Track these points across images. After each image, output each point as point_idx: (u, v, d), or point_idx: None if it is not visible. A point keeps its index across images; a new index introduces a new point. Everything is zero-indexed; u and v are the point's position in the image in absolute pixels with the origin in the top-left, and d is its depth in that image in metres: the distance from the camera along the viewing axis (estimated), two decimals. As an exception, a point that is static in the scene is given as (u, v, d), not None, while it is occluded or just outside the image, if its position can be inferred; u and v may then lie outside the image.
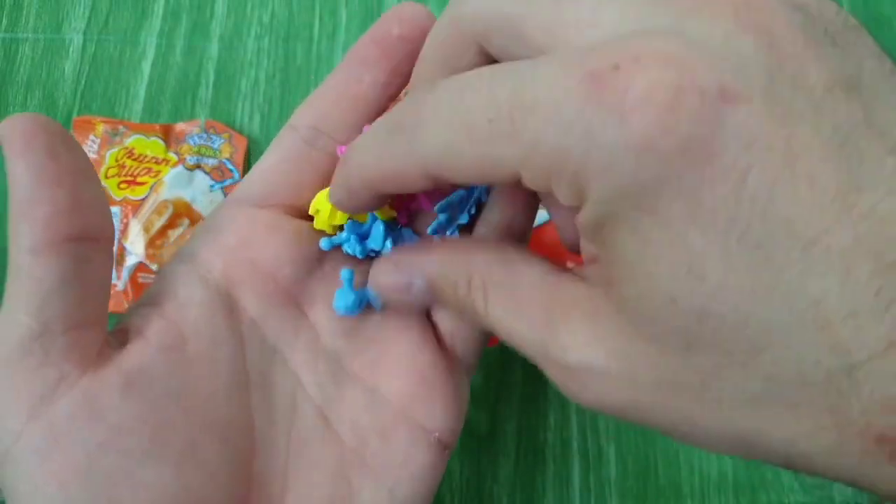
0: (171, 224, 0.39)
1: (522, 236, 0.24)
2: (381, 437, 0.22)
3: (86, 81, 0.43)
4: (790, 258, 0.12)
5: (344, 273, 0.22)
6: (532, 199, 0.23)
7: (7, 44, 0.43)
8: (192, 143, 0.41)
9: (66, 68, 0.43)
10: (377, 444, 0.22)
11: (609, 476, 0.37)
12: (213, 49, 0.44)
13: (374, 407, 0.22)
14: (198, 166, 0.40)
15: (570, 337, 0.16)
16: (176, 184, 0.40)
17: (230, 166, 0.41)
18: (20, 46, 0.43)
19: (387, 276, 0.21)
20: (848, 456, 0.13)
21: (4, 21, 0.44)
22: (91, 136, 0.41)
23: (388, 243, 0.22)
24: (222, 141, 0.41)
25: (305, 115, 0.24)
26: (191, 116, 0.42)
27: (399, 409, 0.22)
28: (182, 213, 0.40)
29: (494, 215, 0.23)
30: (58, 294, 0.17)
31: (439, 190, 0.22)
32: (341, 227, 0.22)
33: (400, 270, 0.20)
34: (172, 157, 0.41)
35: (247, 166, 0.42)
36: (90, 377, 0.18)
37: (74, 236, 0.17)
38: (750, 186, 0.12)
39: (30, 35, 0.44)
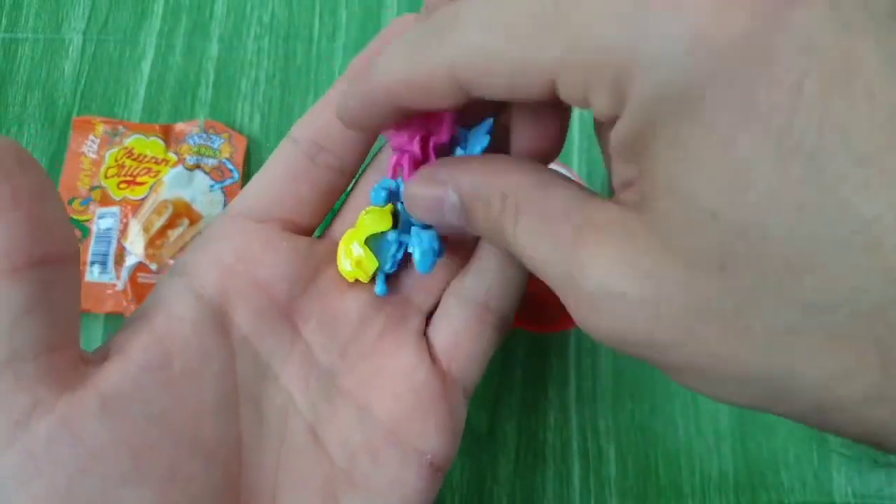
0: (170, 224, 0.39)
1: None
2: (372, 457, 0.21)
3: (85, 81, 0.43)
4: (843, 172, 0.11)
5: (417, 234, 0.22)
6: (562, 124, 0.21)
7: (7, 44, 0.43)
8: (191, 143, 0.41)
9: (66, 68, 0.43)
10: (367, 464, 0.21)
11: (609, 476, 0.37)
12: (213, 49, 0.44)
13: (366, 426, 0.21)
14: (197, 166, 0.40)
15: (595, 260, 0.15)
16: (176, 184, 0.40)
17: (230, 166, 0.41)
18: (20, 46, 0.43)
19: (420, 188, 0.20)
20: (888, 404, 0.12)
21: (4, 21, 0.44)
22: (91, 136, 0.41)
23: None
24: (222, 141, 0.41)
25: (306, 128, 0.24)
26: (190, 116, 0.42)
27: (391, 429, 0.22)
28: (182, 213, 0.40)
29: (522, 142, 0.21)
30: (25, 320, 0.16)
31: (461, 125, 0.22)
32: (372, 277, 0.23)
33: (434, 183, 0.20)
34: (172, 157, 0.41)
35: (247, 166, 0.42)
36: (67, 400, 0.17)
37: (36, 260, 0.16)
38: (806, 92, 0.11)
39: (29, 35, 0.43)
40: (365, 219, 0.23)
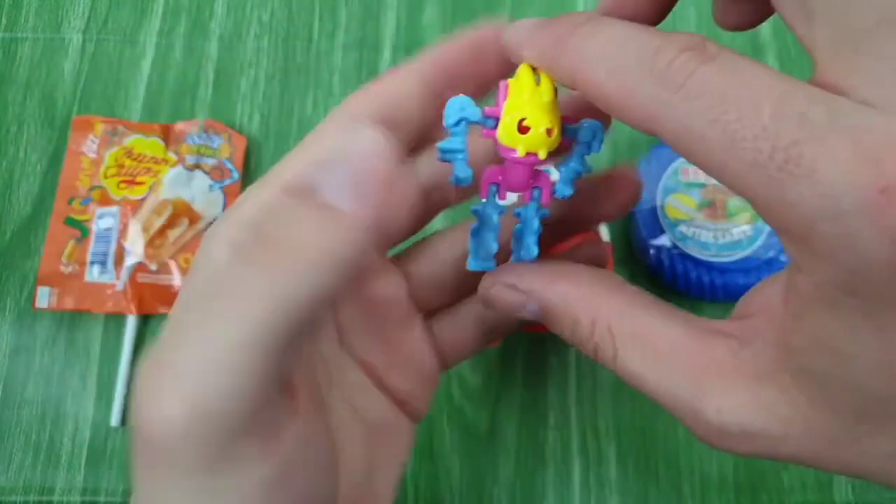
0: (170, 224, 0.39)
1: None
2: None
3: (85, 81, 0.43)
4: None
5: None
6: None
7: (6, 43, 0.43)
8: (191, 142, 0.41)
9: (66, 68, 0.43)
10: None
11: (609, 476, 0.37)
12: (213, 49, 0.44)
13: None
14: (197, 166, 0.40)
15: (726, 398, 0.17)
16: (175, 184, 0.40)
17: (230, 166, 0.41)
18: (19, 46, 0.43)
19: (498, 292, 0.20)
20: None
21: (4, 20, 0.44)
22: (90, 136, 0.41)
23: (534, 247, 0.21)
24: (222, 141, 0.41)
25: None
26: (190, 116, 0.42)
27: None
28: (181, 213, 0.40)
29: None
30: None
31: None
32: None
33: (513, 291, 0.20)
34: (172, 156, 0.40)
35: (246, 166, 0.42)
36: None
37: None
38: None
39: (29, 34, 0.43)
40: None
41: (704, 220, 0.38)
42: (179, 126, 0.41)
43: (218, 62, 0.43)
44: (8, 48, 0.43)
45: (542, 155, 0.18)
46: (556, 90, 0.19)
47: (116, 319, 0.38)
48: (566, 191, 0.20)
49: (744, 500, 0.36)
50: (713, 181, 0.39)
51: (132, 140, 0.41)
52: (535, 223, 0.21)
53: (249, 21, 0.44)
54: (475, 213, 0.21)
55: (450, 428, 0.37)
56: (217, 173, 0.41)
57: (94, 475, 0.36)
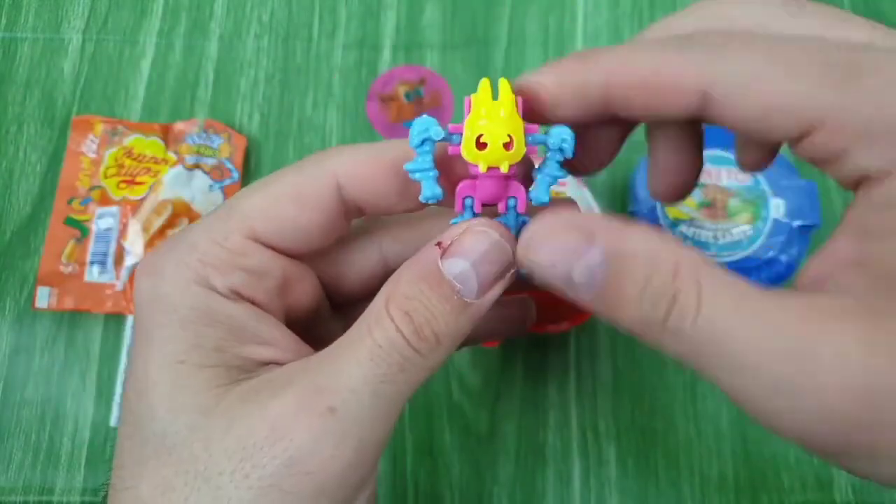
0: (170, 224, 0.39)
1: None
2: None
3: (85, 81, 0.43)
4: None
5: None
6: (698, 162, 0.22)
7: (6, 43, 0.43)
8: (191, 142, 0.41)
9: (66, 68, 0.43)
10: None
11: (609, 476, 0.37)
12: (213, 48, 0.44)
13: None
14: (197, 166, 0.40)
15: (846, 340, 0.14)
16: (175, 183, 0.40)
17: (229, 166, 0.41)
18: (19, 46, 0.43)
19: (556, 231, 0.18)
20: None
21: (3, 20, 0.44)
22: (90, 136, 0.41)
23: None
24: (221, 140, 0.41)
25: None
26: (190, 116, 0.42)
27: None
28: (181, 213, 0.40)
29: (667, 175, 0.22)
30: None
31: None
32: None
33: (577, 230, 0.17)
34: (171, 156, 0.40)
35: (246, 166, 0.42)
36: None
37: None
38: None
39: (29, 34, 0.43)
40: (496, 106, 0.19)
41: (704, 220, 0.38)
42: (179, 126, 0.41)
43: (218, 62, 0.43)
44: (8, 48, 0.43)
45: (503, 168, 0.19)
46: (516, 101, 0.19)
47: (116, 319, 0.38)
48: (543, 198, 0.20)
49: (744, 500, 0.36)
50: (713, 181, 0.39)
51: (132, 140, 0.41)
52: (514, 231, 0.21)
53: (249, 21, 0.44)
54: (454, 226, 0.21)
55: (449, 427, 0.37)
56: (217, 173, 0.41)
57: (94, 475, 0.36)
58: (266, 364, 0.20)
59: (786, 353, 0.15)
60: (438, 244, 0.19)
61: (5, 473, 0.36)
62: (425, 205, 0.21)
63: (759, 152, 0.22)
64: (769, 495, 0.37)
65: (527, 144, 0.19)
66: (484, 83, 0.19)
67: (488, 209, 0.21)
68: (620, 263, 0.17)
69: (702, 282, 0.16)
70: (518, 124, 0.19)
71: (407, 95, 0.43)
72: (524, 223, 0.21)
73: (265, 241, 0.21)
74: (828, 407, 0.14)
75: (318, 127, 0.42)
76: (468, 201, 0.20)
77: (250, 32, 0.44)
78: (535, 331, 0.37)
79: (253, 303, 0.21)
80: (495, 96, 0.19)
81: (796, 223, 0.38)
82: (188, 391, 0.19)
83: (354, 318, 0.25)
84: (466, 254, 0.19)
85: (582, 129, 0.20)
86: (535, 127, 0.20)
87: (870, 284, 0.15)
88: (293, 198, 0.21)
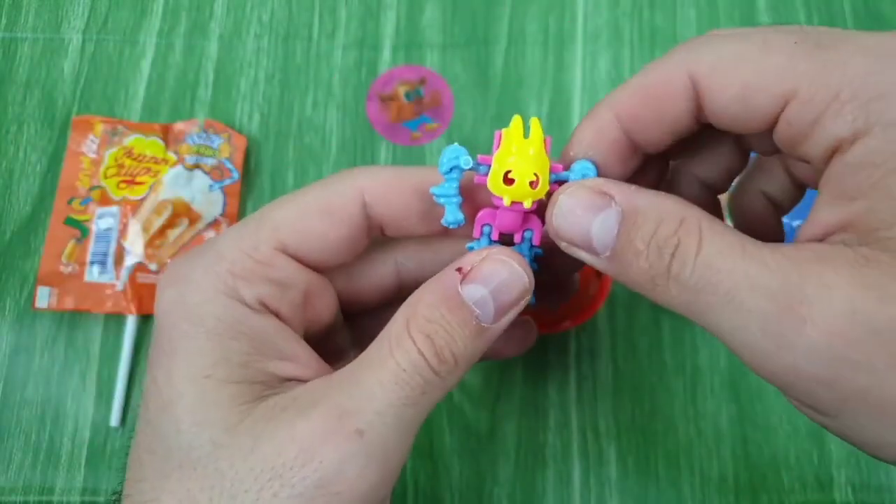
0: (170, 224, 0.39)
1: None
2: None
3: (85, 81, 0.43)
4: None
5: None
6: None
7: (6, 43, 0.43)
8: (191, 142, 0.41)
9: (66, 68, 0.43)
10: None
11: (609, 476, 0.37)
12: (213, 48, 0.44)
13: None
14: (197, 166, 0.40)
15: (835, 278, 0.15)
16: (175, 183, 0.40)
17: (229, 166, 0.41)
18: (19, 46, 0.43)
19: (580, 193, 0.19)
20: None
21: (3, 20, 0.44)
22: (90, 136, 0.41)
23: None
24: (221, 140, 0.41)
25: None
26: (190, 116, 0.42)
27: None
28: (181, 213, 0.40)
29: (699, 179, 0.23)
30: None
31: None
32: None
33: (597, 192, 0.19)
34: (171, 156, 0.40)
35: (246, 166, 0.42)
36: None
37: None
38: None
39: (29, 34, 0.43)
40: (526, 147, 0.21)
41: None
42: (179, 126, 0.41)
43: (218, 62, 0.43)
44: (8, 48, 0.43)
45: (527, 205, 0.20)
46: (544, 140, 0.20)
47: (116, 319, 0.38)
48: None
49: (744, 500, 0.36)
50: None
51: (132, 140, 0.41)
52: (528, 261, 0.22)
53: (249, 21, 0.44)
54: (470, 249, 0.22)
55: (450, 427, 0.37)
56: (217, 173, 0.41)
57: (94, 475, 0.36)
58: (288, 380, 0.20)
59: (774, 290, 0.15)
60: (459, 269, 0.20)
61: (5, 473, 0.36)
62: (445, 229, 0.22)
63: (783, 183, 0.22)
64: (769, 495, 0.36)
65: (550, 183, 0.20)
66: (516, 120, 0.20)
67: (504, 237, 0.22)
68: (633, 218, 0.18)
69: (703, 231, 0.17)
70: (545, 163, 0.20)
71: (407, 95, 0.43)
72: (538, 254, 0.22)
73: (293, 253, 0.21)
74: (813, 344, 0.15)
75: (318, 127, 0.42)
76: (486, 229, 0.22)
77: (250, 32, 0.44)
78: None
79: (277, 315, 0.21)
80: (526, 134, 0.20)
81: (796, 223, 0.38)
82: (214, 407, 0.19)
83: (363, 330, 0.25)
84: (486, 281, 0.19)
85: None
86: (559, 166, 0.21)
87: (856, 237, 0.16)
88: (322, 211, 0.21)
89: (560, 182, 0.21)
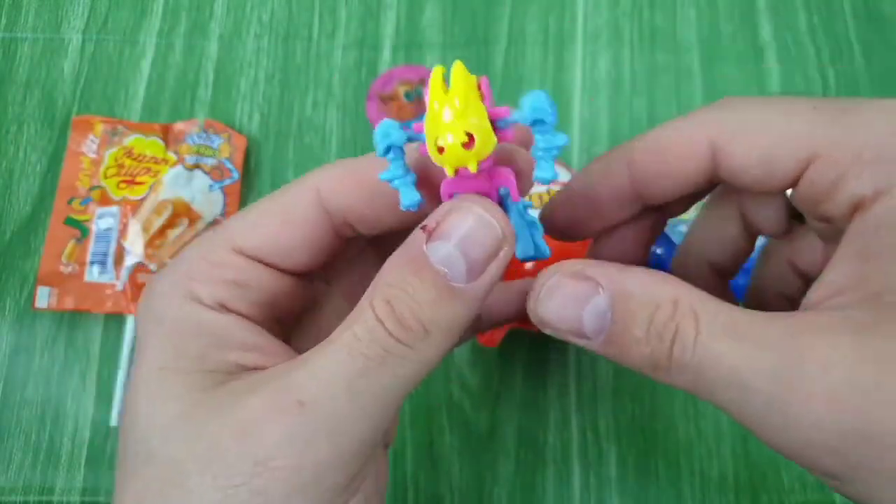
0: (170, 224, 0.39)
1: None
2: None
3: (85, 81, 0.43)
4: None
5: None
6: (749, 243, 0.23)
7: (6, 43, 0.43)
8: (191, 142, 0.41)
9: (66, 68, 0.43)
10: None
11: (609, 477, 0.37)
12: (213, 48, 0.44)
13: None
14: (197, 166, 0.40)
15: (833, 353, 0.15)
16: (175, 183, 0.40)
17: (229, 166, 0.41)
18: (19, 46, 0.43)
19: (562, 281, 0.18)
20: None
21: (3, 20, 0.44)
22: (90, 136, 0.41)
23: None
24: (221, 140, 0.41)
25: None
26: (190, 116, 0.42)
27: None
28: (181, 213, 0.40)
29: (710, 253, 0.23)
30: None
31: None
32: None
33: (581, 279, 0.18)
34: (171, 156, 0.40)
35: (246, 166, 0.42)
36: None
37: None
38: None
39: (29, 34, 0.43)
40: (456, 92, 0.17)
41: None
42: (179, 126, 0.41)
43: (218, 62, 0.43)
44: (8, 48, 0.43)
45: (472, 168, 0.17)
46: (478, 85, 0.17)
47: (116, 319, 0.38)
48: (546, 174, 0.18)
49: (744, 500, 0.36)
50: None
51: (132, 140, 0.41)
52: (525, 218, 0.19)
53: (249, 21, 0.44)
54: None
55: (450, 427, 0.37)
56: (217, 173, 0.41)
57: (94, 475, 0.36)
58: (253, 369, 0.20)
59: (774, 369, 0.15)
60: (423, 227, 0.18)
61: (5, 473, 0.36)
62: (419, 217, 0.19)
63: (775, 212, 0.22)
64: (769, 495, 0.36)
65: (499, 130, 0.17)
66: (435, 72, 0.17)
67: None
68: (625, 304, 0.18)
69: (698, 312, 0.17)
70: (479, 114, 0.17)
71: (407, 95, 0.43)
72: (528, 206, 0.19)
73: (251, 255, 0.21)
74: (818, 418, 0.15)
75: (318, 127, 0.42)
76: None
77: (250, 32, 0.44)
78: (535, 331, 0.37)
79: (239, 314, 0.21)
80: (449, 86, 0.17)
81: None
82: (167, 396, 0.18)
83: None
84: (449, 235, 0.17)
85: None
86: (504, 109, 0.18)
87: (859, 302, 0.16)
88: (275, 213, 0.21)
89: (510, 126, 0.18)
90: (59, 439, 0.37)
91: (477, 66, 0.44)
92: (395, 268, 0.18)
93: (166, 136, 0.41)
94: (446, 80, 0.17)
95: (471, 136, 0.16)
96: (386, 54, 0.44)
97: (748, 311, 0.17)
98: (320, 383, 0.17)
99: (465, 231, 0.17)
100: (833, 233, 0.19)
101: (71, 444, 0.37)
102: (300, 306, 0.23)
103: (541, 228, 0.20)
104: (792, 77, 0.45)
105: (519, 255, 0.20)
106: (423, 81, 0.43)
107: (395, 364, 0.17)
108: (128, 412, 0.19)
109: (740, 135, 0.18)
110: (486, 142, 0.17)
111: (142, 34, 0.44)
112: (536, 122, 0.17)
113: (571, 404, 0.38)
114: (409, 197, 0.18)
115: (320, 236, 0.21)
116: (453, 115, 0.17)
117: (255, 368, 0.20)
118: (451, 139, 0.16)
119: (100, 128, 0.41)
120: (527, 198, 0.20)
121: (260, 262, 0.21)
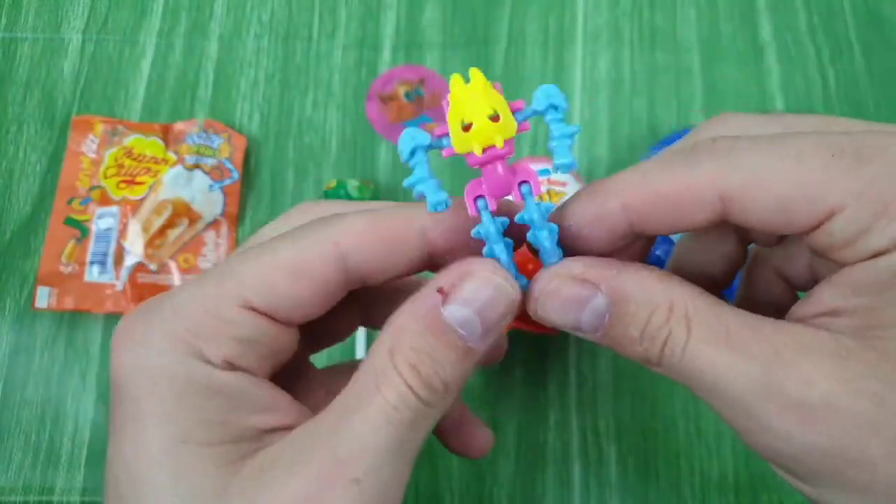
0: (170, 224, 0.39)
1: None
2: None
3: (85, 81, 0.43)
4: None
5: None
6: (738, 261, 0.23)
7: (6, 43, 0.43)
8: (191, 142, 0.41)
9: (66, 68, 0.43)
10: None
11: (609, 476, 0.37)
12: (213, 48, 0.44)
13: None
14: (197, 166, 0.40)
15: (813, 372, 0.16)
16: (175, 183, 0.40)
17: (229, 166, 0.41)
18: (19, 46, 0.43)
19: (562, 285, 0.19)
20: None
21: (3, 20, 0.44)
22: (90, 136, 0.41)
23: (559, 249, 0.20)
24: (221, 140, 0.41)
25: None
26: (190, 116, 0.42)
27: None
28: (181, 213, 0.40)
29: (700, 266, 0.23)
30: None
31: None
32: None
33: (580, 282, 0.18)
34: (171, 156, 0.40)
35: (246, 166, 0.42)
36: None
37: None
38: None
39: (29, 35, 0.43)
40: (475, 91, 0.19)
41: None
42: (179, 126, 0.41)
43: (218, 62, 0.43)
44: (8, 48, 0.43)
45: (499, 144, 0.18)
46: (489, 85, 0.19)
47: (116, 319, 0.38)
48: (565, 160, 0.19)
49: (744, 500, 0.36)
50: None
51: (132, 140, 0.41)
52: (545, 223, 0.20)
53: (249, 21, 0.44)
54: (477, 236, 0.20)
55: (450, 428, 0.37)
56: (217, 173, 0.41)
57: (94, 475, 0.36)
58: (271, 431, 0.20)
59: (755, 380, 0.16)
60: (440, 290, 0.18)
61: (5, 473, 0.36)
62: (423, 266, 0.20)
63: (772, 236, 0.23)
64: (769, 495, 0.36)
65: (518, 122, 0.19)
66: (455, 77, 0.19)
67: (502, 208, 0.20)
68: (623, 305, 0.18)
69: (690, 318, 0.17)
70: (499, 99, 0.18)
71: (407, 95, 0.43)
72: (549, 210, 0.20)
73: (259, 309, 0.20)
74: (790, 431, 0.16)
75: (318, 127, 0.42)
76: (481, 203, 0.20)
77: (250, 32, 0.44)
78: (534, 331, 0.37)
79: (247, 371, 0.20)
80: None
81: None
82: (197, 475, 0.18)
83: (315, 338, 0.24)
84: (470, 301, 0.18)
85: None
86: (520, 103, 0.19)
87: (852, 329, 0.16)
88: (292, 270, 0.20)
89: (528, 118, 0.19)
90: (59, 439, 0.37)
91: (477, 66, 0.44)
92: (415, 332, 0.18)
93: (166, 136, 0.41)
94: (466, 81, 0.19)
95: (495, 113, 0.18)
96: (386, 54, 0.44)
97: (740, 314, 0.17)
98: (370, 458, 0.18)
99: (486, 299, 0.18)
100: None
101: (71, 444, 0.37)
102: (293, 352, 0.22)
103: (556, 230, 0.20)
104: (792, 77, 0.45)
105: (545, 260, 0.20)
106: (422, 81, 0.43)
107: (422, 424, 0.18)
108: (139, 488, 0.18)
109: (754, 188, 0.17)
110: (510, 121, 0.18)
111: (142, 34, 0.44)
112: (549, 109, 0.19)
113: (571, 404, 0.38)
114: (436, 196, 0.19)
115: (333, 290, 0.21)
116: (478, 96, 0.18)
117: (274, 430, 0.19)
118: (478, 114, 0.18)
119: (100, 128, 0.41)
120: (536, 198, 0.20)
121: (269, 317, 0.20)
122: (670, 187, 0.18)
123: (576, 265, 0.19)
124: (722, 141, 0.18)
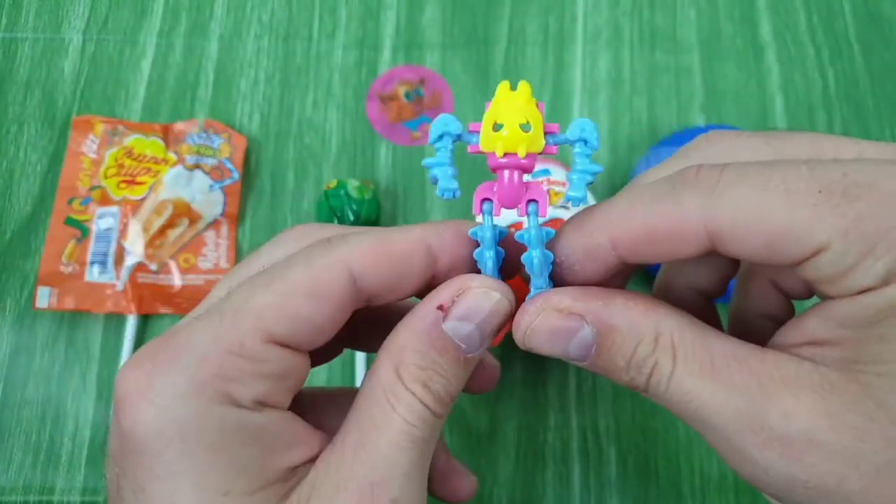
0: (170, 224, 0.39)
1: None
2: None
3: (85, 81, 0.43)
4: None
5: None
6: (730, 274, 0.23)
7: (6, 43, 0.43)
8: (191, 142, 0.41)
9: (66, 68, 0.43)
10: None
11: (609, 476, 0.37)
12: (213, 48, 0.44)
13: None
14: (197, 166, 0.40)
15: (792, 402, 0.16)
16: (175, 183, 0.40)
17: (229, 166, 0.41)
18: (19, 46, 0.43)
19: (547, 319, 0.19)
20: None
21: (4, 20, 0.44)
22: (90, 136, 0.41)
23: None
24: (221, 140, 0.41)
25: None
26: (190, 116, 0.42)
27: None
28: (181, 213, 0.40)
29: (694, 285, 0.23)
30: None
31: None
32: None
33: (565, 315, 0.19)
34: (172, 156, 0.40)
35: (246, 166, 0.42)
36: None
37: None
38: None
39: (29, 34, 0.43)
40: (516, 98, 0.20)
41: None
42: (179, 126, 0.41)
43: (218, 62, 0.43)
44: (8, 48, 0.43)
45: (520, 153, 0.19)
46: (537, 104, 0.19)
47: (116, 319, 0.39)
48: (579, 195, 0.19)
49: (744, 500, 0.36)
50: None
51: (132, 140, 0.41)
52: (541, 247, 0.20)
53: (249, 21, 0.44)
54: (474, 236, 0.20)
55: (450, 428, 0.37)
56: (217, 173, 0.41)
57: (94, 475, 0.36)
58: (300, 466, 0.20)
59: (738, 412, 0.17)
60: (440, 307, 0.19)
61: (5, 473, 0.36)
62: (429, 286, 0.20)
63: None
64: (769, 495, 0.37)
65: (547, 144, 0.19)
66: (502, 83, 0.20)
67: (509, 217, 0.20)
68: (610, 337, 0.19)
69: (676, 347, 0.18)
70: (536, 115, 0.19)
71: (407, 95, 0.43)
72: (550, 236, 0.20)
73: (280, 341, 0.19)
74: (771, 463, 0.16)
75: (318, 127, 0.42)
76: (486, 205, 0.20)
77: (250, 32, 0.44)
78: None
79: (276, 407, 0.20)
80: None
81: None
82: None
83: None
84: (471, 317, 0.19)
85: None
86: (555, 126, 0.19)
87: (836, 362, 0.17)
88: (307, 293, 0.19)
89: (559, 144, 0.19)
90: (59, 439, 0.37)
91: (477, 66, 0.44)
92: (418, 350, 0.19)
93: (166, 136, 0.41)
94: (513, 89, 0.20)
95: (529, 123, 0.19)
96: (386, 54, 0.44)
97: (727, 342, 0.18)
98: (402, 477, 0.19)
99: (485, 314, 0.19)
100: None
101: (71, 444, 0.37)
102: (306, 378, 0.22)
103: (551, 258, 0.20)
104: (792, 77, 0.45)
105: (533, 290, 0.20)
106: (423, 81, 0.43)
107: (434, 435, 0.20)
108: None
109: (741, 226, 0.17)
110: (540, 138, 0.19)
111: (142, 34, 0.44)
112: (580, 142, 0.19)
113: (571, 404, 0.38)
114: (447, 183, 0.20)
115: (345, 313, 0.20)
116: (517, 104, 0.19)
117: (301, 464, 0.19)
118: (512, 120, 0.19)
119: (100, 128, 0.41)
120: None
121: (291, 347, 0.20)
122: (657, 222, 0.18)
123: (563, 298, 0.19)
124: (707, 171, 0.17)
